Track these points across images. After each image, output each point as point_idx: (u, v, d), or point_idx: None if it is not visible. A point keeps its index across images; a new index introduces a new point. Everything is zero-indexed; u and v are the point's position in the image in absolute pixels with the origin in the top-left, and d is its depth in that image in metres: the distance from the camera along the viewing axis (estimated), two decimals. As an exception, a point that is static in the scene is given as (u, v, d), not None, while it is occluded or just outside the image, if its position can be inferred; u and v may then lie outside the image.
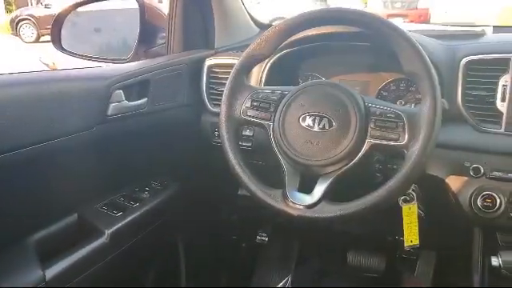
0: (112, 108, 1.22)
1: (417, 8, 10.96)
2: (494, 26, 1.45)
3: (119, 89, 1.24)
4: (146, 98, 1.32)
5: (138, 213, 1.31)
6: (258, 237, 1.82)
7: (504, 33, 1.40)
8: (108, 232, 1.22)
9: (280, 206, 1.01)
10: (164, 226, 1.42)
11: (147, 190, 1.41)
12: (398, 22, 1.03)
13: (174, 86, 1.43)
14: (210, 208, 1.70)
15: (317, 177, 1.01)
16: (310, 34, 1.26)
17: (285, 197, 1.01)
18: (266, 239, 1.80)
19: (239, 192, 1.58)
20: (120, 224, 1.25)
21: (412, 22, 9.21)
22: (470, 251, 1.24)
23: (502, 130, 1.15)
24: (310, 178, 1.02)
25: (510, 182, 1.13)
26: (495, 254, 1.03)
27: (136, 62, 1.43)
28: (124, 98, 1.25)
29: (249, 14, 1.72)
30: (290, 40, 1.22)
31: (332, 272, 1.80)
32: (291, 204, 1.00)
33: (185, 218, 1.57)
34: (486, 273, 1.23)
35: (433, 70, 0.96)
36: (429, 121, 0.93)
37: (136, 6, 1.54)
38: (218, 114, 1.11)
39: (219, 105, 1.11)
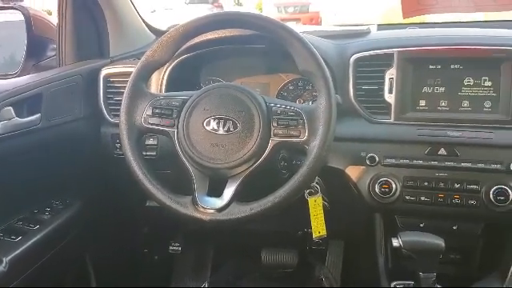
0: (1, 127, 1.13)
1: (308, 11, 11.49)
2: (378, 25, 1.56)
3: (8, 105, 1.15)
4: (40, 114, 1.24)
5: (40, 235, 1.23)
6: (170, 247, 1.78)
7: (387, 30, 1.51)
8: (6, 260, 1.12)
9: (190, 212, 1.00)
10: (69, 246, 1.35)
11: (48, 211, 1.32)
12: (291, 25, 1.07)
13: (69, 99, 1.35)
14: (117, 223, 1.64)
15: (225, 179, 1.02)
16: (208, 38, 1.27)
17: (195, 203, 1.00)
18: (180, 249, 1.77)
19: (147, 203, 1.54)
20: (20, 250, 1.17)
21: (305, 24, 9.64)
22: (373, 236, 1.32)
23: (392, 120, 1.24)
24: (219, 182, 1.02)
25: (403, 167, 1.22)
26: (395, 236, 1.10)
27: (25, 77, 1.34)
28: (14, 115, 1.17)
29: (144, 21, 1.69)
30: (188, 45, 1.22)
31: (247, 273, 1.82)
32: (202, 209, 0.99)
33: (91, 235, 1.50)
34: (389, 254, 1.32)
35: (326, 68, 1.01)
36: (325, 116, 0.98)
37: (21, 17, 1.44)
38: (118, 125, 1.08)
39: (119, 115, 1.07)
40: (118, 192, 1.52)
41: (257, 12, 1.13)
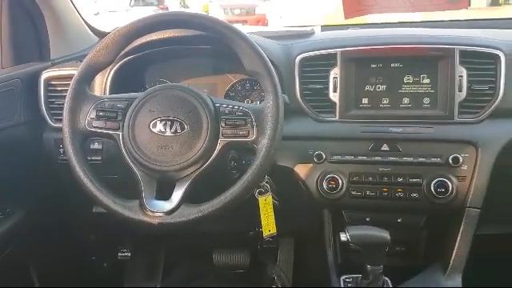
0: None
1: (255, 14, 11.57)
2: (321, 26, 1.60)
3: None
4: None
5: None
6: (119, 253, 1.74)
7: (331, 31, 1.55)
8: None
9: (139, 216, 0.98)
10: (11, 257, 1.29)
11: None
12: (238, 27, 1.08)
13: (7, 104, 1.30)
14: (63, 231, 1.59)
15: (174, 182, 1.01)
16: (152, 38, 1.25)
17: (142, 207, 0.99)
18: (129, 254, 1.74)
19: (94, 210, 1.50)
20: None
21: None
22: (322, 232, 1.35)
23: (337, 118, 1.27)
24: (167, 184, 1.01)
25: (348, 163, 1.25)
26: (343, 230, 1.13)
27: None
28: None
29: (86, 22, 1.64)
30: (132, 46, 1.20)
31: (199, 275, 1.81)
32: (150, 213, 0.98)
33: (35, 245, 1.44)
34: (338, 249, 1.35)
35: (272, 68, 1.02)
36: (273, 115, 0.99)
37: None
38: (60, 130, 1.05)
39: (61, 119, 1.04)
40: (63, 199, 1.48)
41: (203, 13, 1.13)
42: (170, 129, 1.00)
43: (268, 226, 1.23)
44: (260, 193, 1.22)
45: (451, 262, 1.25)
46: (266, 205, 1.22)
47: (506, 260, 1.65)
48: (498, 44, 1.23)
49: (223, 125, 1.01)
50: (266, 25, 10.58)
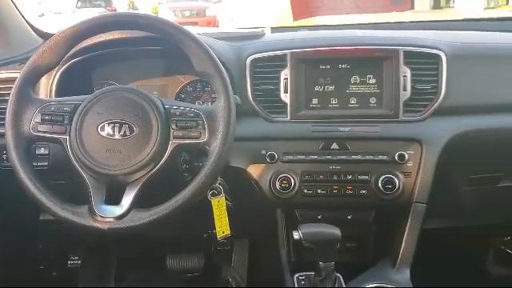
0: None
1: (205, 15, 11.54)
2: (271, 27, 1.61)
3: None
4: None
5: None
6: (69, 261, 1.69)
7: (281, 32, 1.57)
8: None
9: (88, 222, 0.96)
10: None
11: None
12: (188, 28, 1.07)
13: None
14: (9, 240, 1.52)
15: (124, 186, 0.99)
16: (100, 40, 1.23)
17: (92, 212, 0.97)
18: (79, 262, 1.69)
19: (41, 217, 1.45)
20: None
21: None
22: (275, 231, 1.36)
23: (288, 119, 1.29)
24: (117, 188, 1.00)
25: (300, 163, 1.27)
26: (296, 229, 1.14)
27: None
28: None
29: (29, 24, 1.58)
30: (79, 47, 1.17)
31: (153, 281, 1.78)
32: (100, 218, 0.96)
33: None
34: (291, 247, 1.37)
35: (223, 69, 1.03)
36: (225, 116, 0.99)
37: None
38: (3, 135, 1.00)
39: (3, 124, 1.00)
40: (8, 207, 1.41)
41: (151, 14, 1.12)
42: (119, 132, 0.98)
43: (222, 227, 1.23)
44: (213, 194, 1.21)
45: (400, 256, 1.29)
46: (219, 206, 1.22)
47: (451, 252, 1.73)
48: (440, 45, 1.28)
49: (174, 127, 1.00)
50: (217, 27, 10.58)
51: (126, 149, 0.98)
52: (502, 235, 1.83)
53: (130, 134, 0.98)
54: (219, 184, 1.22)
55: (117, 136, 0.98)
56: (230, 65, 1.26)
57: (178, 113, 1.01)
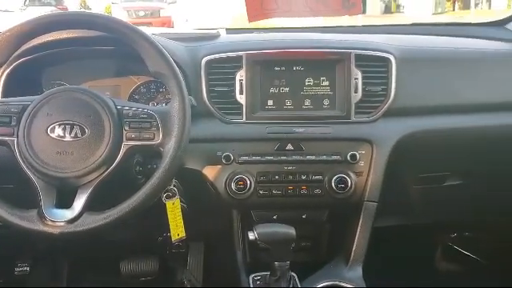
0: None
1: (160, 16, 11.41)
2: (226, 29, 1.61)
3: None
4: None
5: None
6: (16, 269, 1.62)
7: (236, 34, 1.57)
8: None
9: (37, 227, 0.94)
10: None
11: None
12: (142, 29, 1.06)
13: None
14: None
15: (75, 189, 0.97)
16: (49, 39, 1.19)
17: (41, 216, 0.94)
18: (28, 269, 1.63)
19: (-14, 223, 1.38)
20: None
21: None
22: (231, 232, 1.36)
23: (244, 120, 1.29)
24: (68, 192, 0.97)
25: (256, 164, 1.28)
26: (251, 229, 1.15)
27: None
28: None
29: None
30: (26, 47, 1.13)
31: (106, 285, 1.74)
32: (50, 222, 0.94)
33: None
34: (247, 248, 1.38)
35: (177, 70, 1.02)
36: (179, 117, 0.99)
37: None
38: None
39: None
40: None
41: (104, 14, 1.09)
42: (70, 133, 0.96)
43: (176, 230, 1.21)
44: (167, 197, 1.20)
45: (352, 253, 1.32)
46: (173, 209, 1.21)
47: (402, 249, 1.79)
48: (390, 48, 1.32)
49: (127, 128, 0.98)
50: (172, 27, 10.50)
51: (77, 151, 0.95)
52: (448, 232, 1.91)
53: (82, 135, 0.96)
54: (174, 186, 1.21)
55: (68, 138, 0.96)
56: (185, 66, 1.25)
57: (130, 114, 0.99)
